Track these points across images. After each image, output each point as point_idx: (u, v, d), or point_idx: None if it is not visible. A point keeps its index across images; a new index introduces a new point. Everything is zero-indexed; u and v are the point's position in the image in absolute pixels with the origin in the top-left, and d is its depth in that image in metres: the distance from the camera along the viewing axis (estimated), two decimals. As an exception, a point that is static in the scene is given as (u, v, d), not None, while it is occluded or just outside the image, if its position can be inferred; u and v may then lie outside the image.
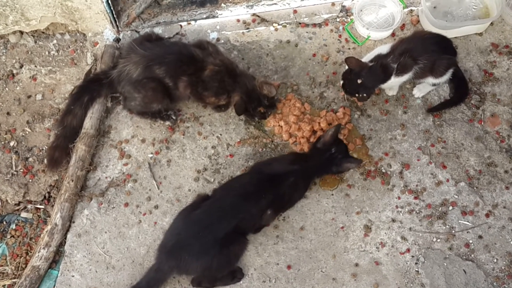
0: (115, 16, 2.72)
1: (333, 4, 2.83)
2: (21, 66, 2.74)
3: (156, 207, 2.45)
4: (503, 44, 2.75)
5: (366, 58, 2.48)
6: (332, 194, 2.46)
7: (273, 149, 2.56)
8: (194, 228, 2.14)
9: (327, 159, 2.32)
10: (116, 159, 2.54)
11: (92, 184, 2.49)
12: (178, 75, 2.41)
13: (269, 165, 2.38)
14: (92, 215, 2.43)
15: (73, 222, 2.42)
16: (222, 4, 2.84)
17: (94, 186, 2.48)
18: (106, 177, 2.51)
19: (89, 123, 2.51)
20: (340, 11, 2.82)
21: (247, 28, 2.82)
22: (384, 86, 2.52)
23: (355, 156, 2.49)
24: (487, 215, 2.41)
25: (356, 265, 2.34)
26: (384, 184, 2.47)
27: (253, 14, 2.82)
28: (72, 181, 2.40)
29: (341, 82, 2.50)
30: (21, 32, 2.77)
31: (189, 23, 2.83)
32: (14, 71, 2.73)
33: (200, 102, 2.59)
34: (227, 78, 2.46)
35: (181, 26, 2.82)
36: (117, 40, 2.77)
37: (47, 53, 2.77)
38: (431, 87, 2.59)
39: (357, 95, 2.46)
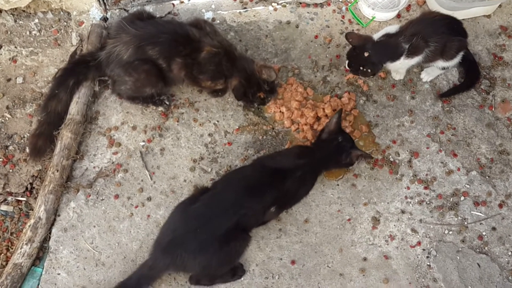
0: (102, -7, 2.55)
1: (335, -18, 2.69)
2: (0, 47, 2.59)
3: (149, 199, 2.31)
4: (513, 27, 2.65)
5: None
6: (338, 185, 2.34)
7: (274, 137, 2.42)
8: (192, 223, 2.01)
9: (335, 149, 2.18)
10: (105, 148, 2.39)
11: (79, 174, 2.35)
12: (173, 56, 2.27)
13: (273, 159, 2.24)
14: (79, 208, 2.29)
15: (59, 215, 2.29)
16: (218, -18, 2.69)
17: (81, 177, 2.34)
18: (94, 167, 2.36)
19: (75, 108, 2.37)
20: (343, -10, 2.68)
21: (245, 8, 2.67)
22: (391, 67, 2.40)
23: (361, 144, 2.38)
24: (500, 206, 2.31)
25: (364, 259, 2.22)
26: (392, 173, 2.35)
27: (251, -7, 2.67)
28: (57, 171, 2.27)
29: (347, 62, 2.35)
30: (0, 10, 2.60)
31: (182, 2, 2.68)
32: (-8, 52, 2.58)
33: (196, 86, 2.44)
34: (225, 62, 2.32)
35: (173, 4, 2.67)
36: (105, 19, 2.62)
37: (28, 33, 2.62)
38: (439, 71, 2.48)
39: (361, 68, 2.30)
